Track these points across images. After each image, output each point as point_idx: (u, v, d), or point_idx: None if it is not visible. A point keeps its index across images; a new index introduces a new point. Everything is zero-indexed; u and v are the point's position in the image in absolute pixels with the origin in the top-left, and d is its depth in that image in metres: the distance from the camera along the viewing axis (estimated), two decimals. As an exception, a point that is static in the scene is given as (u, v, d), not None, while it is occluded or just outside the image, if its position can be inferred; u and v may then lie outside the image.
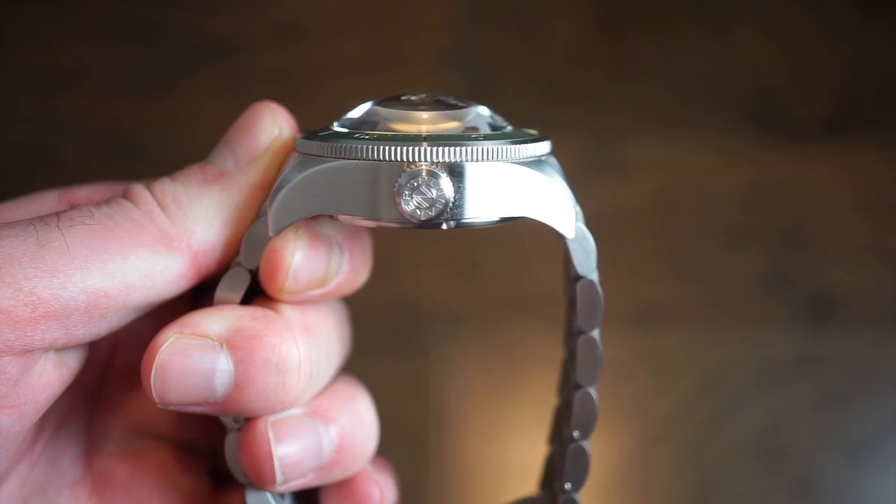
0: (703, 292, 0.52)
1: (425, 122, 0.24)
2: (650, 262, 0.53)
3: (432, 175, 0.22)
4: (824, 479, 0.49)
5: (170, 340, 0.22)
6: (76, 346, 0.22)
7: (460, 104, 0.25)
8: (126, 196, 0.23)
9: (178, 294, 0.23)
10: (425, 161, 0.22)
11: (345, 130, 0.24)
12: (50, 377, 0.22)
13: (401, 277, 0.52)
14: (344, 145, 0.23)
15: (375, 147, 0.22)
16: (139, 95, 0.58)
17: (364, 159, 0.22)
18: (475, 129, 0.24)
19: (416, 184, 0.22)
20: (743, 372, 0.51)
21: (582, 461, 0.26)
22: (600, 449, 0.50)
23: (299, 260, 0.24)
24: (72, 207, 0.23)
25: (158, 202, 0.23)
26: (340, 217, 0.23)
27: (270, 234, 0.24)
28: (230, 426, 0.24)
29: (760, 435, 0.49)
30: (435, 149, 0.22)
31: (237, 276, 0.24)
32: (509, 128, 0.25)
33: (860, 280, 0.52)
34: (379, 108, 0.25)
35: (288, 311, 0.24)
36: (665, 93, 0.57)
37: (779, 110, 0.57)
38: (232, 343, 0.23)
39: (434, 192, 0.22)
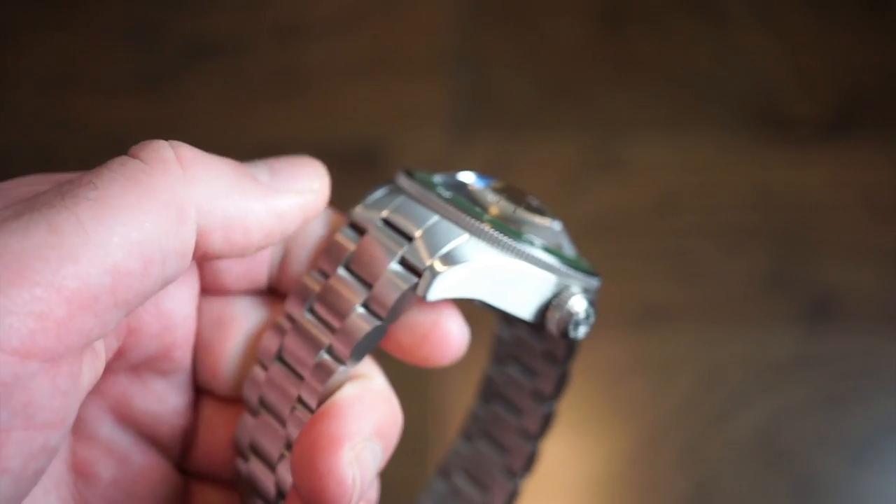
0: (703, 292, 0.52)
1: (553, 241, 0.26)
2: (650, 262, 0.53)
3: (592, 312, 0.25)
4: (824, 479, 0.49)
5: (351, 459, 0.22)
6: (104, 335, 0.21)
7: (545, 212, 0.26)
8: (134, 153, 0.21)
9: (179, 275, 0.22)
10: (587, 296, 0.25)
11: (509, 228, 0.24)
12: (89, 377, 0.21)
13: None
14: (535, 255, 0.24)
15: (567, 269, 0.24)
16: (139, 95, 0.58)
17: (549, 269, 0.24)
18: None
19: (587, 317, 0.24)
20: (743, 372, 0.51)
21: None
22: (600, 449, 0.50)
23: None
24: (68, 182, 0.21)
25: (179, 156, 0.21)
26: (492, 302, 0.24)
27: (428, 298, 0.23)
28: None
29: (760, 435, 0.49)
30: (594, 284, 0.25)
31: (376, 335, 0.23)
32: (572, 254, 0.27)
33: (860, 280, 0.52)
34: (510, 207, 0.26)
35: (379, 375, 0.25)
36: (665, 93, 0.57)
37: (779, 110, 0.57)
38: (381, 435, 0.23)
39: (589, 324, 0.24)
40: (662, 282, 0.53)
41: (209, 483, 0.28)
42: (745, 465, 0.49)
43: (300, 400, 0.24)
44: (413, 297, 0.23)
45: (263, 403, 0.24)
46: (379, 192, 0.25)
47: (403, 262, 0.24)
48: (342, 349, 0.23)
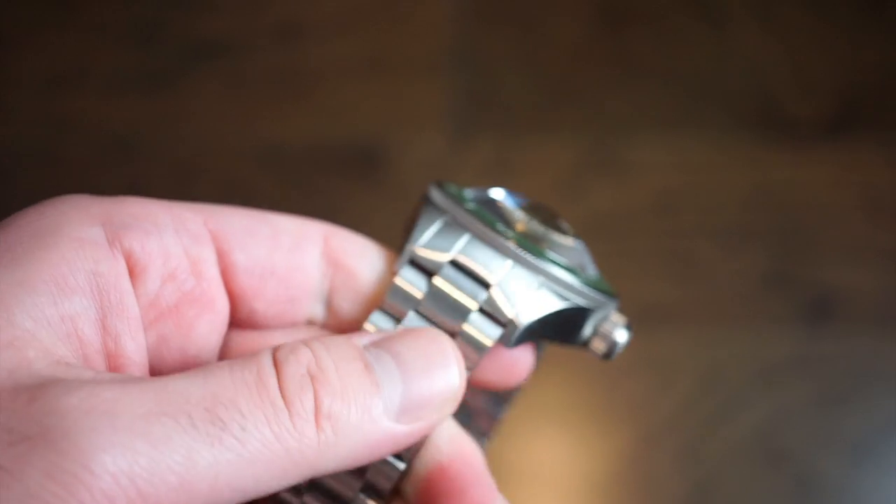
0: (703, 292, 0.52)
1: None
2: (650, 262, 0.53)
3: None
4: (824, 479, 0.49)
5: None
6: None
7: (567, 231, 0.28)
8: (283, 380, 0.21)
9: None
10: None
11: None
12: None
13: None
14: (592, 294, 0.26)
15: (608, 300, 0.26)
16: (139, 95, 0.58)
17: (597, 305, 0.26)
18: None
19: (628, 341, 0.27)
20: (743, 372, 0.51)
21: None
22: (600, 449, 0.50)
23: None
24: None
25: (318, 410, 0.21)
26: (553, 338, 0.26)
27: (511, 347, 0.25)
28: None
29: (760, 435, 0.49)
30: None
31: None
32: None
33: (860, 280, 0.52)
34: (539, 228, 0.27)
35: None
36: (665, 93, 0.57)
37: (779, 110, 0.57)
38: None
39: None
40: (661, 282, 0.53)
41: None
42: (744, 465, 0.49)
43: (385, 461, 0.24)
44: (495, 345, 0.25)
45: None
46: (434, 227, 0.25)
47: (482, 311, 0.24)
48: None
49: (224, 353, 0.25)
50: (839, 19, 0.59)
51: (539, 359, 0.27)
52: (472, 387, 0.28)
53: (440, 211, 0.25)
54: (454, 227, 0.25)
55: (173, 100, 0.57)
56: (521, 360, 0.26)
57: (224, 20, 0.60)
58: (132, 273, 0.23)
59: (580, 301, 0.25)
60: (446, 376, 0.22)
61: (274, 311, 0.25)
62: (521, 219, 0.26)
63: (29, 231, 0.21)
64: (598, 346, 0.27)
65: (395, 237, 0.27)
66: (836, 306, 0.52)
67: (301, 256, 0.25)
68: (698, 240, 0.54)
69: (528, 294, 0.24)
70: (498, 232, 0.25)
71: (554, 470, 0.49)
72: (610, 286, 0.27)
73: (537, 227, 0.26)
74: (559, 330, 0.26)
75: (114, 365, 0.22)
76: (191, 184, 0.55)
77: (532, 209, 0.27)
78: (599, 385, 0.51)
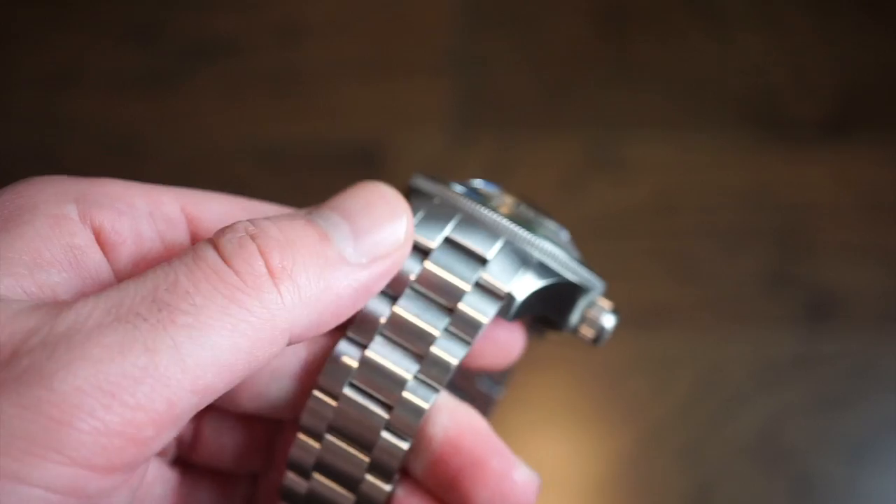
0: (703, 292, 0.52)
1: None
2: (650, 262, 0.53)
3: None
4: (824, 479, 0.49)
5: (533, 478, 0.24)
6: None
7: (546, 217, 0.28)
8: (224, 254, 0.21)
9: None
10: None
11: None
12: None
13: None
14: (580, 272, 0.26)
15: (597, 281, 0.27)
16: (139, 95, 0.58)
17: (589, 285, 0.27)
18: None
19: (615, 325, 0.27)
20: (742, 372, 0.51)
21: None
22: (600, 449, 0.50)
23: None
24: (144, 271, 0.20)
25: (270, 268, 0.21)
26: (550, 314, 0.26)
27: (510, 319, 0.25)
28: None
29: (760, 435, 0.49)
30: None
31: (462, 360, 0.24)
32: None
33: (860, 280, 0.52)
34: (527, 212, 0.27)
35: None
36: (665, 93, 0.57)
37: (779, 110, 0.57)
38: None
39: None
40: (662, 281, 0.53)
41: (217, 476, 0.28)
42: (744, 465, 0.49)
43: (389, 429, 0.24)
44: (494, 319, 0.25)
45: (336, 429, 0.24)
46: (423, 210, 0.25)
47: (479, 286, 0.25)
48: (437, 377, 0.24)
49: None
50: (839, 19, 0.59)
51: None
52: (467, 372, 0.28)
53: (429, 195, 0.26)
54: (445, 208, 0.25)
55: (173, 100, 0.57)
56: (514, 338, 0.27)
57: (224, 20, 0.60)
58: (104, 244, 0.23)
59: (573, 277, 0.26)
60: (393, 216, 0.23)
61: None
62: (508, 203, 0.27)
63: (5, 212, 0.22)
64: (587, 331, 0.27)
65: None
66: (836, 306, 0.52)
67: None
68: (698, 240, 0.54)
69: (523, 268, 0.25)
70: (490, 209, 0.25)
71: (554, 470, 0.49)
72: (593, 268, 0.28)
73: (525, 211, 0.27)
74: (552, 307, 0.26)
75: None
76: (191, 184, 0.55)
77: (517, 197, 0.28)
78: (599, 385, 0.51)
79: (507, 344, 0.27)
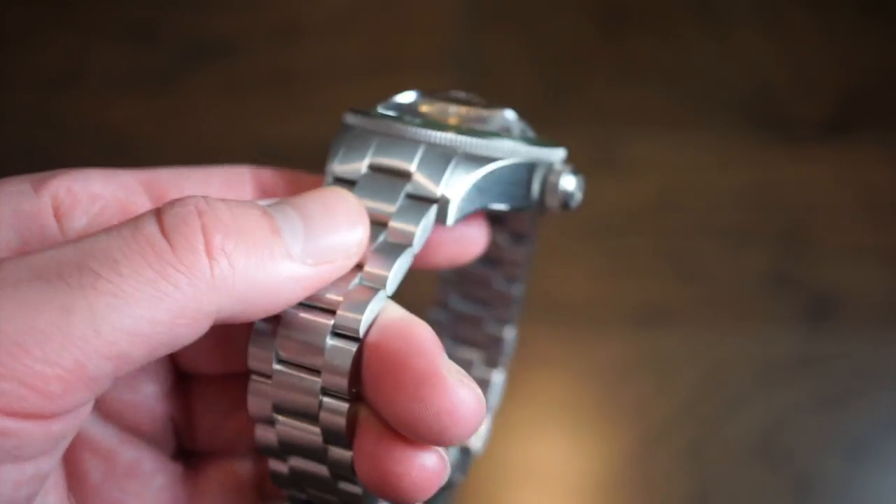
0: (704, 292, 0.52)
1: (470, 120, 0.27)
2: (650, 262, 0.53)
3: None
4: (824, 479, 0.49)
5: (461, 379, 0.21)
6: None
7: (485, 105, 0.28)
8: (165, 227, 0.20)
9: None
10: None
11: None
12: (87, 409, 0.21)
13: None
14: (517, 150, 0.26)
15: (543, 150, 0.27)
16: (139, 95, 0.57)
17: (530, 159, 0.26)
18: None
19: (578, 186, 0.27)
20: (743, 372, 0.51)
21: None
22: (600, 449, 0.50)
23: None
24: (84, 235, 0.20)
25: (209, 248, 0.20)
26: (497, 207, 0.26)
27: (449, 224, 0.24)
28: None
29: (760, 435, 0.49)
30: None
31: (408, 263, 0.24)
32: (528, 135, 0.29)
33: (860, 280, 0.52)
34: (440, 102, 0.27)
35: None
36: (665, 93, 0.57)
37: (779, 110, 0.57)
38: None
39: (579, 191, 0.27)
40: (663, 281, 0.52)
41: (222, 459, 0.27)
42: (744, 465, 0.49)
43: (336, 332, 0.23)
44: (434, 225, 0.24)
45: (282, 360, 0.23)
46: (346, 142, 0.25)
47: (410, 198, 0.24)
48: (381, 275, 0.23)
49: None
50: (839, 20, 0.59)
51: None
52: (476, 281, 0.29)
53: (350, 127, 0.26)
54: (363, 136, 0.25)
55: (173, 100, 0.57)
56: (470, 233, 0.27)
57: (224, 20, 0.60)
58: (57, 213, 0.23)
59: (509, 159, 0.25)
60: (349, 225, 0.23)
61: None
62: (453, 112, 0.27)
63: None
64: (551, 201, 0.27)
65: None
66: (836, 306, 0.52)
67: (233, 191, 0.26)
68: (699, 239, 0.54)
69: (451, 169, 0.24)
70: (403, 122, 0.25)
71: (554, 470, 0.49)
72: (551, 140, 0.27)
73: (474, 112, 0.27)
74: (506, 195, 0.26)
75: None
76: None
77: (447, 98, 0.27)
78: (600, 385, 0.51)
79: (463, 239, 0.27)
